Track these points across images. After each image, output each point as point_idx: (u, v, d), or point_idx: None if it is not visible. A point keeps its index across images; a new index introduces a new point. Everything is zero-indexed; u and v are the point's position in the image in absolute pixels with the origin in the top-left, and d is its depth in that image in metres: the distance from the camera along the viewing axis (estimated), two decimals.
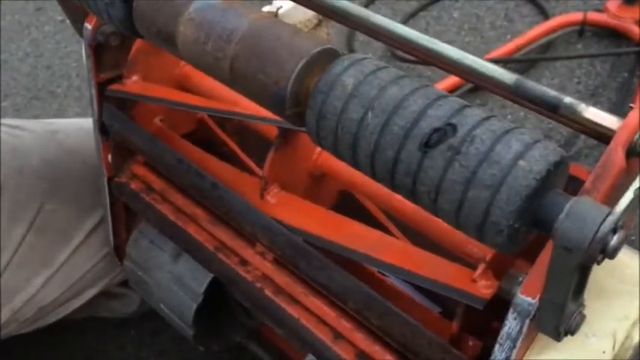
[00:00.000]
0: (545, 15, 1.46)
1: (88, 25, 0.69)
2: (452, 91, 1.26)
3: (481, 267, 0.51)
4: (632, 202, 0.38)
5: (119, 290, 0.94)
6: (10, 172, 0.78)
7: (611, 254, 0.35)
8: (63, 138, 0.86)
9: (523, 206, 0.36)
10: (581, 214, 0.35)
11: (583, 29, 1.40)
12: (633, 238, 0.98)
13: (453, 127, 0.38)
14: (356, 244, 0.58)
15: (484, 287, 0.50)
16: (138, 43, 0.72)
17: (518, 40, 1.38)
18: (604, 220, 0.34)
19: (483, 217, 0.37)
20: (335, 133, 0.43)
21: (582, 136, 1.22)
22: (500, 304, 0.48)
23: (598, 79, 1.34)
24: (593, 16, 1.40)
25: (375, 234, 0.59)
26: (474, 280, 0.50)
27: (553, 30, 1.40)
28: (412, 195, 0.40)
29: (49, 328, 0.87)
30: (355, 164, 0.44)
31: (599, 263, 0.36)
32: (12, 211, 0.78)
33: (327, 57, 0.47)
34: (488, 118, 0.39)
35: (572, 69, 1.37)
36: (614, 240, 0.35)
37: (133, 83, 0.73)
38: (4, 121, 0.83)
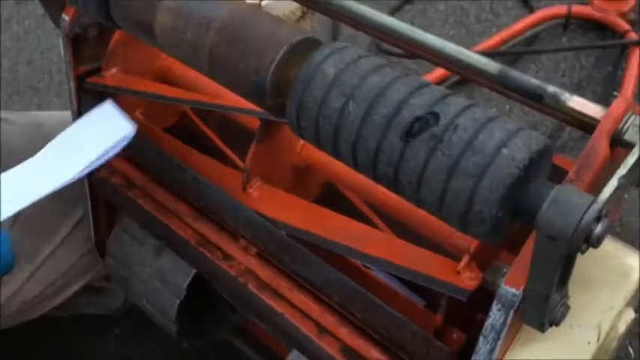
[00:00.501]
0: (529, 8, 1.46)
1: (66, 17, 0.68)
2: (437, 84, 1.25)
3: (465, 258, 0.50)
4: (615, 190, 0.38)
5: (104, 285, 0.93)
6: None
7: (596, 243, 0.35)
8: (48, 131, 0.84)
9: (506, 195, 0.36)
10: (565, 202, 0.34)
11: (568, 22, 1.40)
12: (618, 229, 0.98)
13: (435, 116, 0.37)
14: (338, 236, 0.57)
15: (468, 279, 0.49)
16: (117, 35, 0.71)
17: (504, 34, 1.38)
18: (588, 208, 0.34)
19: (466, 207, 0.36)
20: (316, 124, 0.42)
21: (567, 129, 1.22)
22: (484, 296, 0.47)
23: (583, 72, 1.34)
24: (578, 9, 1.40)
25: (358, 226, 0.58)
26: (458, 272, 0.50)
27: (538, 23, 1.40)
28: (394, 185, 0.40)
29: (32, 327, 0.85)
30: (337, 155, 0.43)
31: (583, 252, 0.36)
32: None
33: (309, 46, 0.46)
34: (470, 106, 0.38)
35: (557, 62, 1.37)
36: (599, 228, 0.34)
37: (112, 76, 0.72)
38: None
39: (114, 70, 0.72)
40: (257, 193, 0.64)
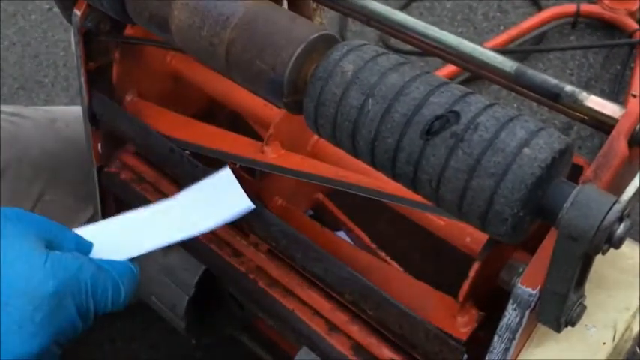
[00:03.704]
0: (538, 6, 1.46)
1: (77, 12, 0.68)
2: None
3: (457, 304, 0.50)
4: (638, 190, 0.38)
5: None
6: (10, 161, 0.76)
7: (617, 244, 0.34)
8: (62, 127, 0.84)
9: (528, 195, 0.36)
10: (587, 202, 0.34)
11: (576, 21, 1.40)
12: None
13: (456, 115, 0.37)
14: None
15: (462, 325, 0.49)
16: (117, 67, 0.70)
17: (512, 32, 1.38)
18: (610, 208, 0.34)
19: (487, 206, 0.36)
20: (334, 121, 0.42)
21: (575, 128, 1.21)
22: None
23: (591, 71, 1.34)
24: (587, 7, 1.40)
25: (363, 257, 0.58)
26: (453, 315, 0.50)
27: (546, 21, 1.39)
28: (413, 184, 0.40)
29: None
30: (355, 152, 0.43)
31: (604, 253, 0.36)
32: (11, 201, 0.76)
33: (326, 43, 0.46)
34: (491, 105, 0.38)
35: (566, 61, 1.37)
36: (620, 229, 0.34)
37: (128, 104, 0.72)
38: (2, 107, 0.82)
39: (129, 98, 0.72)
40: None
